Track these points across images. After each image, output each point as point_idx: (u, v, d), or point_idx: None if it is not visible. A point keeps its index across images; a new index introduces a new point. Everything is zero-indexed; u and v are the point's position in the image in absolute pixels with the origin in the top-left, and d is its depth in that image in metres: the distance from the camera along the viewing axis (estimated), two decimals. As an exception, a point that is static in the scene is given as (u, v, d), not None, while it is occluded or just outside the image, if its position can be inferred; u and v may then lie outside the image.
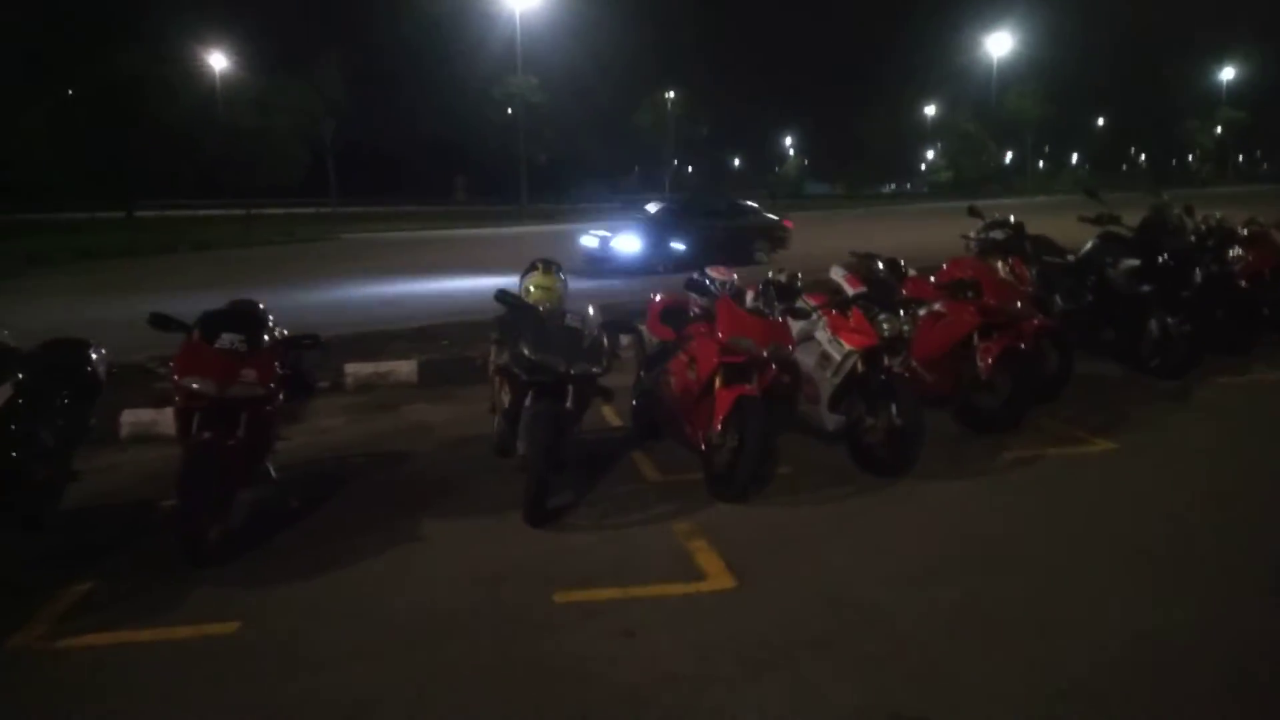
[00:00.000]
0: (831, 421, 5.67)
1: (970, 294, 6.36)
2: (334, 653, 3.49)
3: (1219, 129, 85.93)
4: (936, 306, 6.57)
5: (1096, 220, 7.95)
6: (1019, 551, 4.27)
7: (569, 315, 4.88)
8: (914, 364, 6.55)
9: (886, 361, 5.47)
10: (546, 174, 75.78)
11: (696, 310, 5.85)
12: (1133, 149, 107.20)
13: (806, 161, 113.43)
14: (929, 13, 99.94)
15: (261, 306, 5.13)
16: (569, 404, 4.83)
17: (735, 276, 5.90)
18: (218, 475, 4.37)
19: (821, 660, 3.33)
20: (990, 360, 6.07)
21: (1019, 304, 6.35)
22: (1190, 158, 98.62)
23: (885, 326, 5.37)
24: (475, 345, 8.56)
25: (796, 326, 5.90)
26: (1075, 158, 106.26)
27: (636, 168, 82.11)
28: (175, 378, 4.43)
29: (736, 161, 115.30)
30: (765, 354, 5.05)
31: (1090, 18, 75.93)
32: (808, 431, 5.92)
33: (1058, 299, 8.27)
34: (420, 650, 3.49)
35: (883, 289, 7.13)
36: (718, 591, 3.91)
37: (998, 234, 7.42)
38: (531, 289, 5.24)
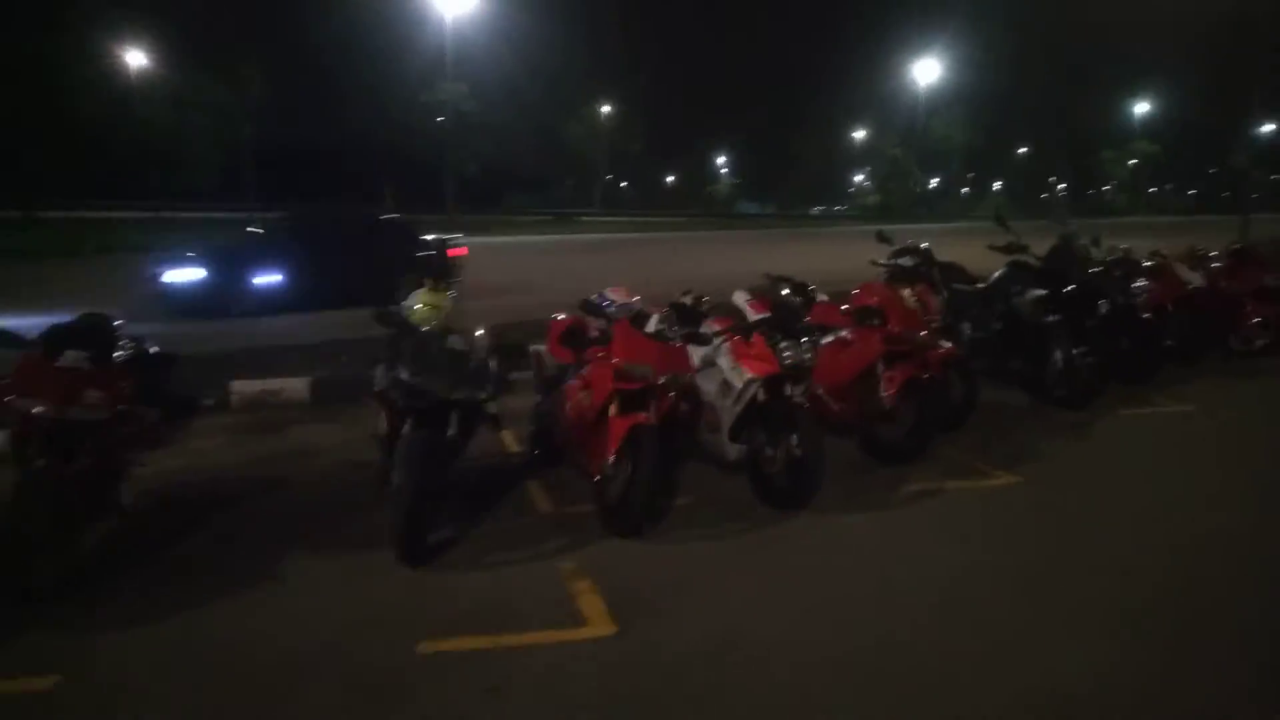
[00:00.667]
0: (733, 451, 5.48)
1: (876, 321, 6.26)
2: (159, 712, 3.15)
3: (1133, 161, 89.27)
4: (843, 333, 6.46)
5: (1005, 249, 7.96)
6: (916, 590, 4.12)
7: (453, 337, 4.59)
8: (819, 391, 6.44)
9: (789, 390, 5.30)
10: (479, 185, 75.02)
11: (595, 333, 5.62)
12: (1052, 178, 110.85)
13: (739, 181, 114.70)
14: (859, 38, 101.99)
15: (116, 321, 4.75)
16: (451, 432, 4.54)
17: (637, 299, 5.68)
18: (55, 506, 3.98)
19: (699, 718, 3.11)
20: (894, 389, 5.96)
21: (923, 332, 6.26)
22: (1106, 188, 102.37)
23: (787, 354, 5.20)
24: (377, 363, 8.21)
25: (699, 352, 5.73)
26: (998, 185, 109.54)
27: (569, 181, 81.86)
28: (7, 398, 4.03)
29: (670, 178, 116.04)
30: (661, 381, 4.84)
31: (1014, 48, 78.16)
32: (710, 461, 5.74)
33: (966, 327, 8.26)
34: (259, 710, 3.17)
35: (790, 314, 7.04)
36: (596, 639, 3.67)
37: (906, 260, 7.37)
38: (416, 307, 4.93)
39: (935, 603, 4.01)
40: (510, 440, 6.56)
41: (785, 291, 7.31)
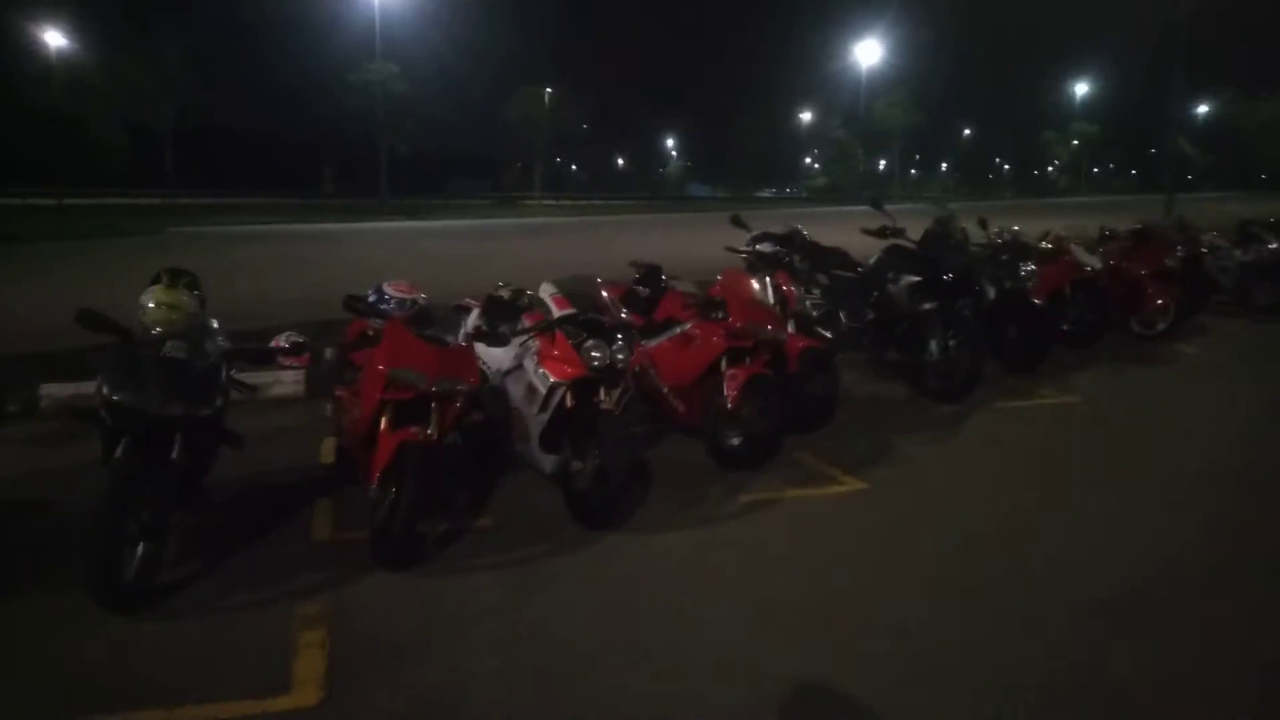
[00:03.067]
0: (548, 463, 4.89)
1: (719, 315, 5.71)
2: None
3: (1074, 141, 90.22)
4: (684, 328, 5.91)
5: (878, 233, 7.45)
6: (705, 631, 3.56)
7: (171, 344, 3.90)
8: (665, 391, 5.90)
9: (603, 395, 4.71)
10: (421, 168, 73.44)
11: (370, 333, 4.98)
12: (997, 159, 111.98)
13: (688, 164, 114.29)
14: (804, 19, 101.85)
15: None
16: (175, 454, 3.88)
17: (422, 296, 5.04)
18: None
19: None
20: (735, 389, 5.41)
21: (769, 325, 5.72)
22: (1050, 168, 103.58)
23: (595, 355, 4.61)
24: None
25: (508, 354, 5.13)
26: (944, 166, 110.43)
27: (520, 164, 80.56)
28: None
29: (620, 161, 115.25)
30: (434, 389, 4.21)
31: (956, 30, 78.41)
32: (528, 473, 5.15)
33: (842, 316, 7.77)
34: None
35: (638, 305, 6.48)
36: (286, 712, 3.05)
37: (765, 247, 6.82)
38: (150, 307, 4.24)
39: (725, 659, 3.45)
40: (330, 450, 5.91)
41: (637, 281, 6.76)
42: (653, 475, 5.47)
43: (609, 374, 4.67)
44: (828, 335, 7.95)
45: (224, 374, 4.13)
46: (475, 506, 4.95)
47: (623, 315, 6.27)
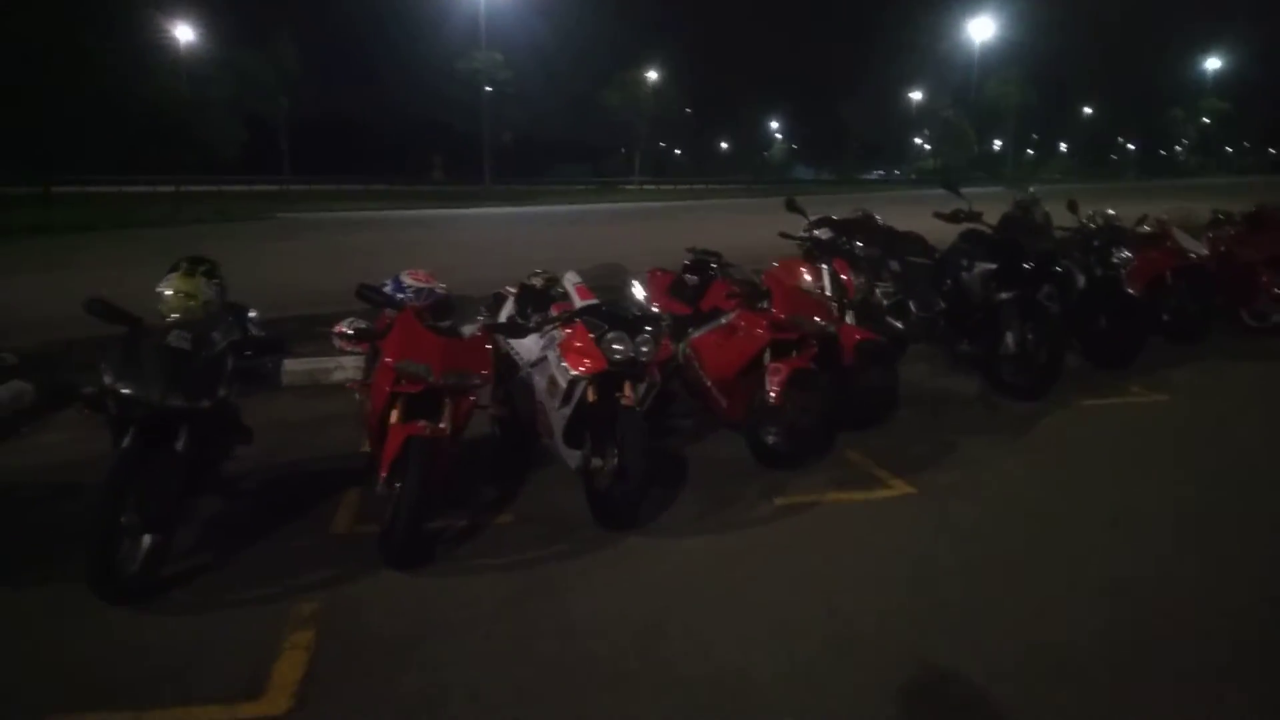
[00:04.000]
0: (573, 459, 4.69)
1: (764, 304, 5.41)
2: None
3: (1204, 119, 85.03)
4: (728, 318, 5.62)
5: (952, 217, 6.97)
6: (702, 652, 3.31)
7: (175, 334, 3.85)
8: (708, 384, 5.64)
9: (627, 390, 4.48)
10: (526, 154, 74.22)
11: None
12: (1120, 139, 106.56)
13: (794, 146, 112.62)
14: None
15: None
16: (180, 445, 3.83)
17: (441, 285, 4.89)
18: None
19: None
20: (777, 384, 5.10)
21: (817, 317, 5.37)
22: (1177, 148, 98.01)
23: (616, 348, 4.38)
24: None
25: (531, 343, 4.95)
26: (1063, 147, 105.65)
27: (623, 149, 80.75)
28: None
29: (724, 145, 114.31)
30: (441, 382, 4.06)
31: (1074, 4, 74.62)
32: (559, 467, 4.97)
33: (911, 306, 7.33)
34: None
35: (685, 294, 6.24)
36: None
37: (824, 232, 6.43)
38: (166, 295, 4.21)
39: (719, 685, 3.19)
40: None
41: (686, 269, 6.50)
42: (689, 473, 5.24)
43: (632, 368, 4.43)
44: (898, 325, 7.57)
45: (229, 365, 4.06)
46: (499, 502, 4.81)
47: (653, 306, 6.05)
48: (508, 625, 3.53)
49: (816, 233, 6.39)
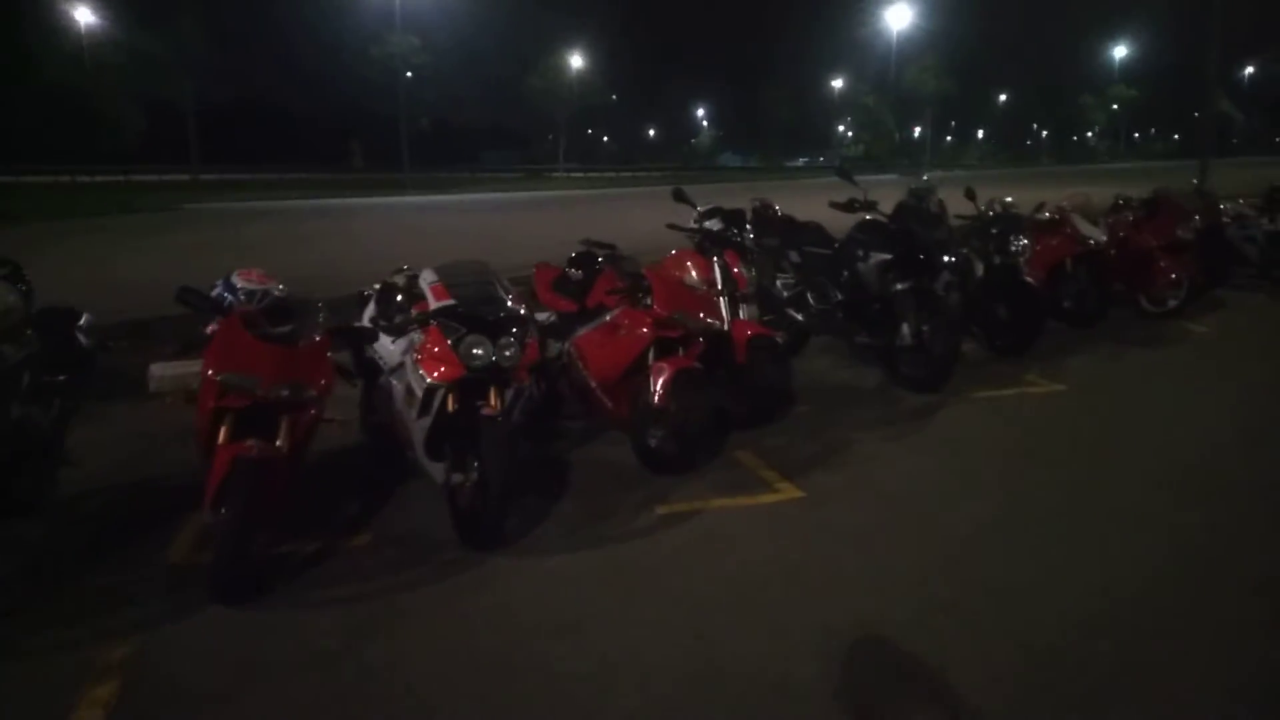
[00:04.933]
0: (438, 473, 4.34)
1: (648, 301, 5.13)
2: None
3: (1114, 106, 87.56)
4: (610, 316, 5.33)
5: (847, 206, 6.77)
6: (553, 691, 3.02)
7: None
8: (593, 386, 5.34)
9: (492, 398, 4.15)
10: (451, 141, 72.79)
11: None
12: (1035, 125, 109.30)
13: (719, 133, 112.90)
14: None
15: None
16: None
17: (278, 286, 4.48)
18: None
19: None
20: (663, 384, 4.83)
21: (702, 313, 5.12)
22: (1089, 134, 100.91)
23: (476, 353, 4.05)
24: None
25: (390, 348, 4.60)
26: (980, 134, 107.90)
27: (550, 136, 79.86)
28: None
29: (652, 132, 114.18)
30: (271, 395, 3.68)
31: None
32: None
33: (809, 297, 7.14)
34: None
35: (570, 290, 5.94)
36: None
37: (714, 223, 6.17)
38: None
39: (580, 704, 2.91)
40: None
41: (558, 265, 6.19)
42: (570, 481, 4.94)
43: (494, 374, 4.11)
44: (798, 317, 7.38)
45: (25, 381, 3.63)
46: (359, 520, 4.45)
47: (528, 304, 5.75)
48: (343, 665, 3.19)
49: (707, 224, 6.13)
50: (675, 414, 4.93)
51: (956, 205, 8.11)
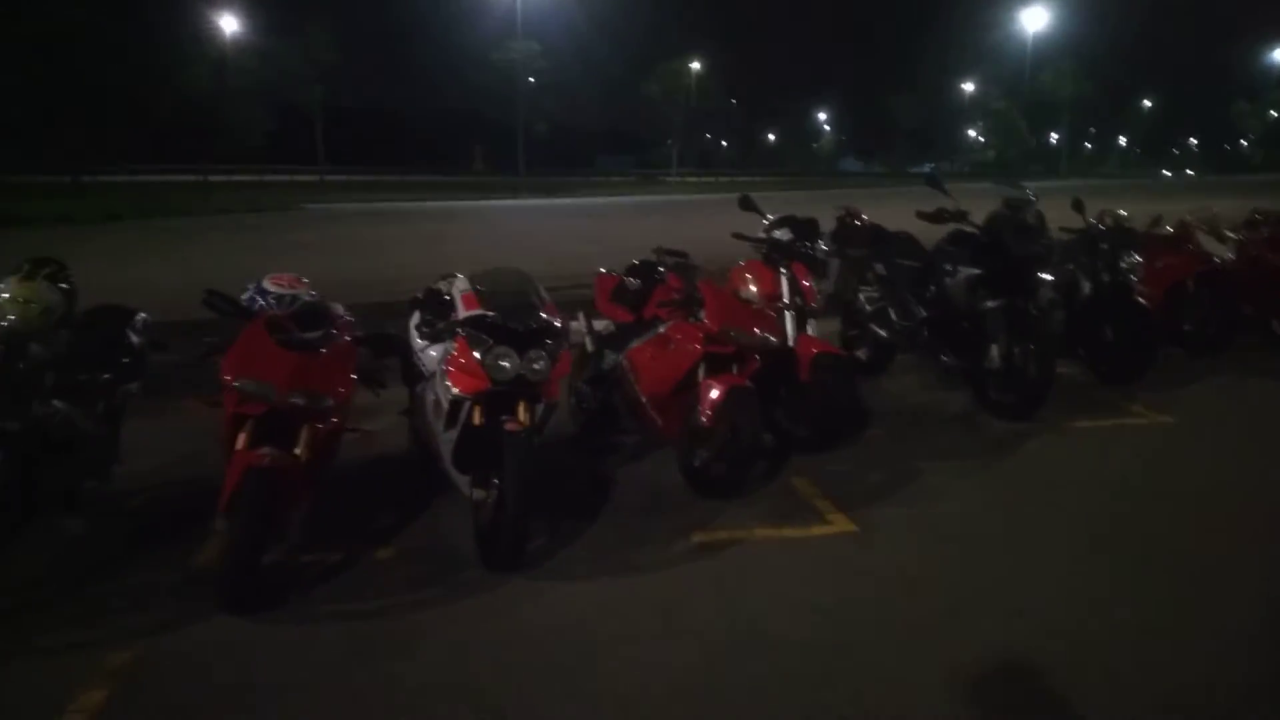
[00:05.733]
0: (465, 487, 4.19)
1: (702, 315, 4.86)
2: None
3: (1272, 112, 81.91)
4: (663, 329, 5.09)
5: (935, 217, 6.32)
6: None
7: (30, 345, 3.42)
8: (643, 401, 5.10)
9: (521, 413, 3.97)
10: (569, 145, 73.73)
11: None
12: (1183, 132, 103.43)
13: (842, 138, 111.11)
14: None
15: None
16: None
17: (310, 291, 4.37)
18: None
19: None
20: (710, 403, 4.56)
21: (757, 329, 4.81)
22: (1243, 142, 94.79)
23: (503, 365, 3.87)
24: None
25: (435, 355, 4.46)
26: (1123, 140, 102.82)
27: (668, 140, 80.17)
28: None
29: (771, 137, 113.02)
30: (285, 403, 3.58)
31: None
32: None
33: (892, 313, 6.72)
34: None
35: (628, 300, 5.73)
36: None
37: (782, 233, 5.83)
38: (3, 299, 3.79)
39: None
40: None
41: (630, 273, 5.96)
42: (611, 500, 4.72)
43: (522, 388, 3.92)
44: (882, 333, 6.98)
45: (48, 378, 3.64)
46: (388, 531, 4.33)
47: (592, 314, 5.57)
48: (325, 692, 3.05)
49: (776, 234, 5.80)
50: (724, 434, 4.66)
51: (1065, 218, 7.55)
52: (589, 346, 5.81)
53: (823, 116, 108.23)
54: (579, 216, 28.11)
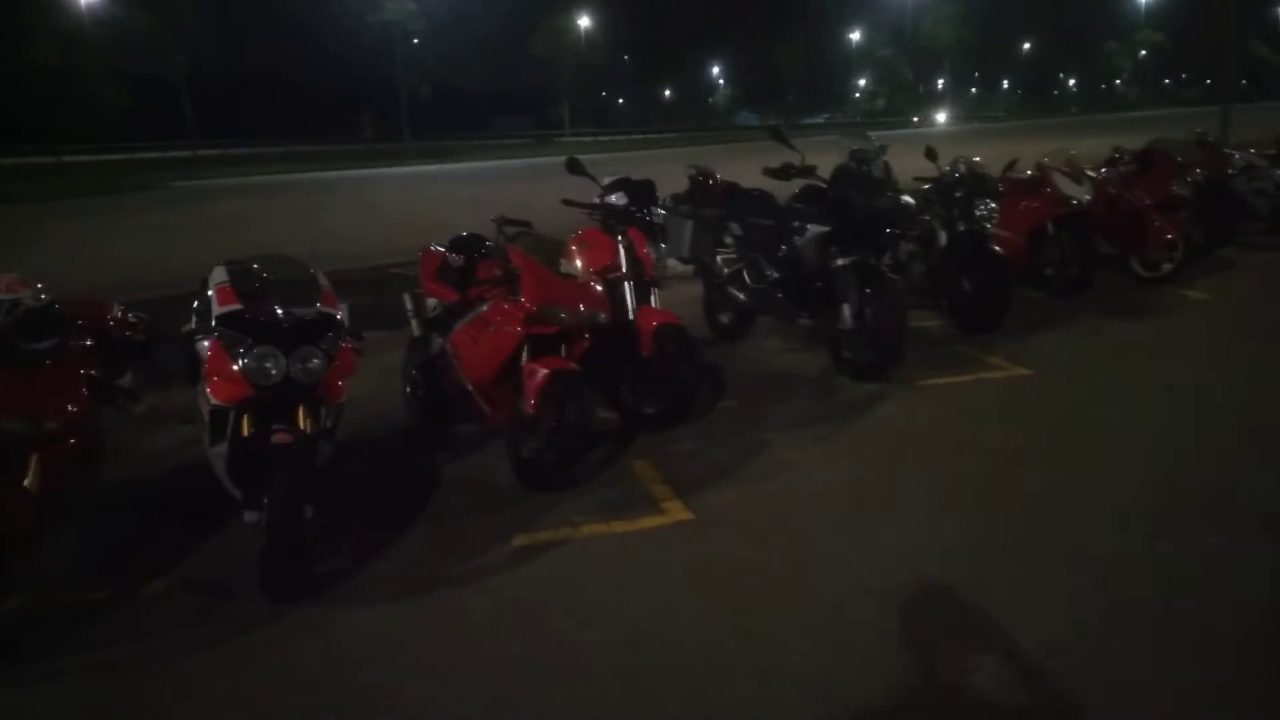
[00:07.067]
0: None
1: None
2: None
3: (1142, 52, 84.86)
4: (485, 308, 4.65)
5: (781, 173, 6.00)
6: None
7: None
8: (469, 388, 4.67)
9: (301, 420, 3.49)
10: (455, 107, 71.53)
11: None
12: (1061, 74, 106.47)
13: (736, 92, 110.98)
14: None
15: None
16: None
17: (30, 293, 3.77)
18: None
19: None
20: (534, 389, 4.16)
21: (581, 304, 4.42)
22: (1117, 82, 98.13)
23: (266, 366, 3.38)
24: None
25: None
26: (1005, 84, 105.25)
27: (565, 100, 78.61)
28: None
29: (667, 93, 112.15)
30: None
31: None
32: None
33: (745, 275, 6.41)
34: None
35: (452, 278, 5.26)
36: None
37: (617, 198, 5.43)
38: None
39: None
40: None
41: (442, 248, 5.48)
42: (429, 503, 4.29)
43: (292, 391, 3.45)
44: (740, 296, 6.68)
45: None
46: (166, 564, 3.81)
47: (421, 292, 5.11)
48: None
49: (611, 198, 5.39)
50: (551, 422, 4.27)
51: (921, 167, 7.35)
52: (415, 330, 5.36)
53: (717, 71, 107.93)
54: (463, 182, 27.22)
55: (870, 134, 6.55)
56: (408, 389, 5.39)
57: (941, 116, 67.36)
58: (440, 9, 48.74)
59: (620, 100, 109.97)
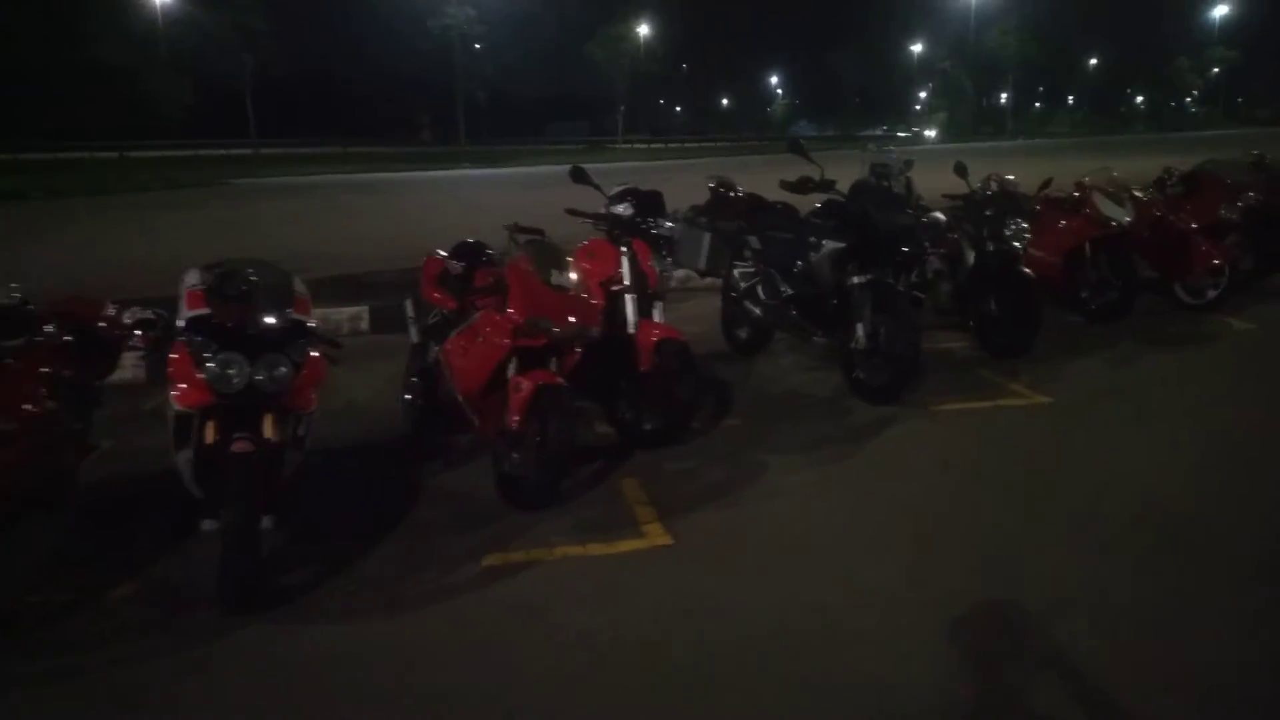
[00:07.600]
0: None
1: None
2: None
3: (1213, 69, 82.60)
4: (476, 319, 4.55)
5: (798, 186, 5.82)
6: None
7: None
8: (459, 399, 4.58)
9: (269, 427, 3.42)
10: (511, 112, 72.24)
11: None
12: (1129, 91, 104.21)
13: (794, 102, 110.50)
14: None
15: None
16: None
17: (15, 293, 3.76)
18: None
19: None
20: (518, 404, 4.05)
21: (571, 317, 4.29)
22: (1186, 100, 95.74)
23: (229, 374, 3.31)
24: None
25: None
26: (1071, 100, 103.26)
27: (622, 107, 78.94)
28: None
29: (725, 101, 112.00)
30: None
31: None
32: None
33: (759, 291, 6.24)
34: None
35: (453, 286, 5.19)
36: None
37: (624, 209, 5.29)
38: None
39: None
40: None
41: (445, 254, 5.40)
42: (405, 517, 4.19)
43: (261, 398, 3.37)
44: (756, 311, 6.51)
45: None
46: (136, 565, 3.77)
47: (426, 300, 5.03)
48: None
49: (617, 209, 5.26)
50: (534, 437, 4.16)
51: (953, 184, 7.11)
52: (413, 337, 5.29)
53: (775, 80, 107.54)
54: (511, 187, 27.32)
55: (892, 149, 6.33)
56: (406, 396, 5.32)
57: (931, 133, 66.40)
58: (499, 14, 49.18)
59: (677, 108, 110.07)
